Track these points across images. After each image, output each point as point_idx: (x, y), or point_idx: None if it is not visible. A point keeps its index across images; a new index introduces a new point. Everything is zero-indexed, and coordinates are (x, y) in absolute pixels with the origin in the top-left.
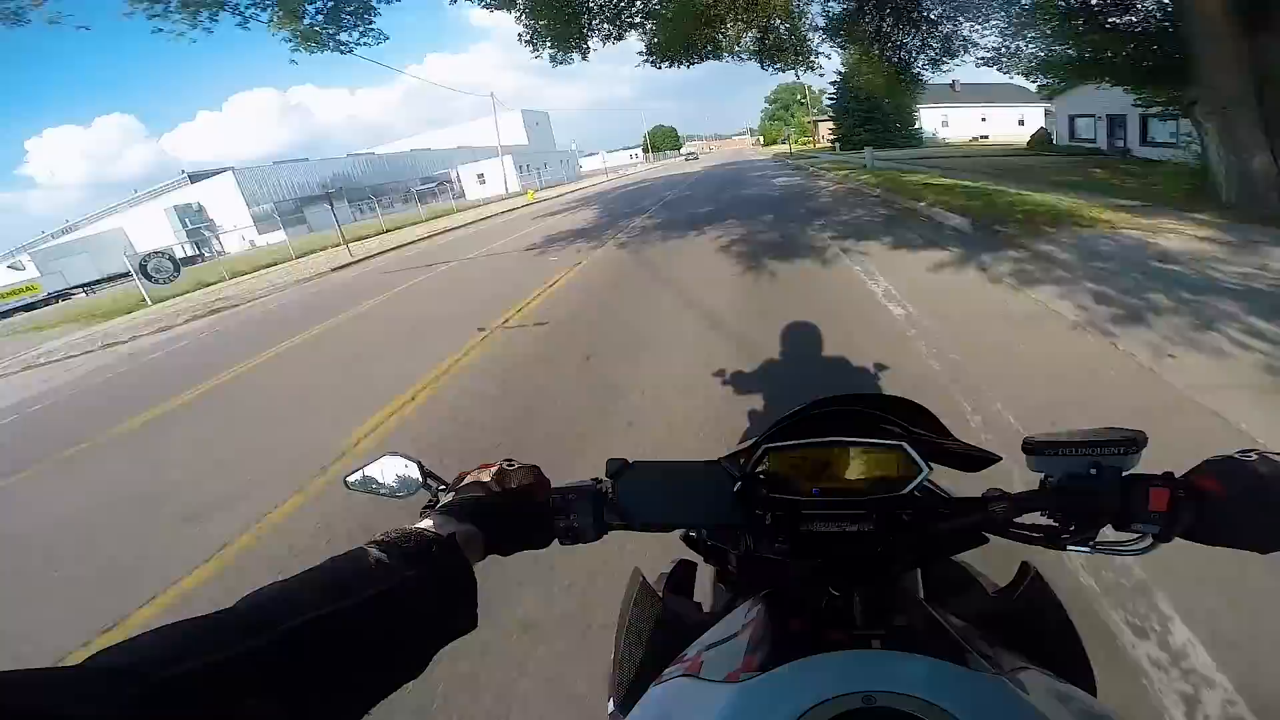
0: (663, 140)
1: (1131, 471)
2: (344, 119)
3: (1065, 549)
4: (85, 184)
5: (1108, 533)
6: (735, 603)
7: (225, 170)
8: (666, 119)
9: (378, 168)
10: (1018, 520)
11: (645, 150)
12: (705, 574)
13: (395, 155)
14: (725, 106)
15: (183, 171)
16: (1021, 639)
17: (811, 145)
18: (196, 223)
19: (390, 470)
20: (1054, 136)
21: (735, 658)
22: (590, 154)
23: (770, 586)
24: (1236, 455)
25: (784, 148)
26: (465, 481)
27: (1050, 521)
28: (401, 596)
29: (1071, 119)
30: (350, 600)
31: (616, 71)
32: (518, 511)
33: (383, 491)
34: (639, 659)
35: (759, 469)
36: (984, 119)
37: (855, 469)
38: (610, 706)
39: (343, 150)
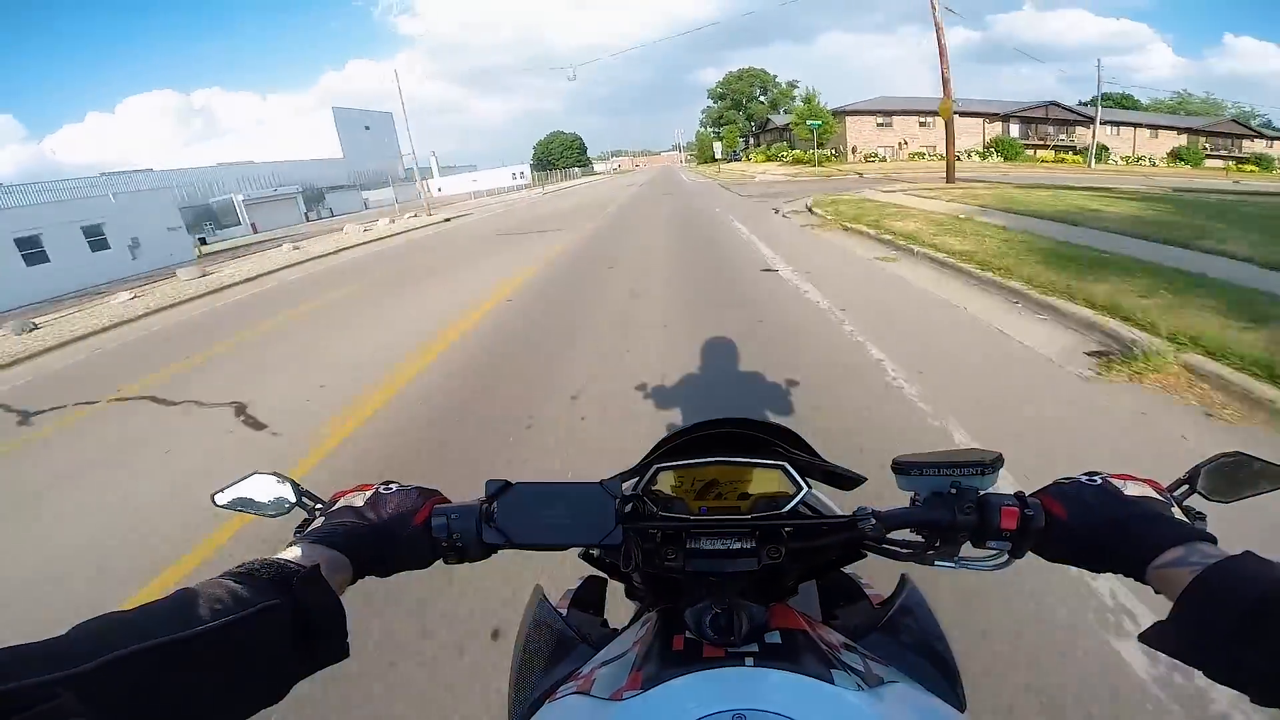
0: (561, 154)
1: (987, 491)
2: (255, 124)
3: (933, 564)
4: None
5: (970, 549)
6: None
7: None
8: (595, 135)
9: None
10: (890, 536)
11: (550, 167)
12: (618, 589)
13: None
14: (658, 123)
15: None
16: (897, 651)
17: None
18: None
19: (261, 489)
20: None
21: (623, 675)
22: (452, 171)
23: (665, 603)
24: (1083, 479)
25: (744, 169)
26: (337, 505)
27: (918, 538)
28: (253, 627)
29: None
30: (193, 629)
31: (547, 85)
32: (391, 536)
33: (255, 511)
34: (536, 677)
35: (652, 488)
36: None
37: (740, 488)
38: None
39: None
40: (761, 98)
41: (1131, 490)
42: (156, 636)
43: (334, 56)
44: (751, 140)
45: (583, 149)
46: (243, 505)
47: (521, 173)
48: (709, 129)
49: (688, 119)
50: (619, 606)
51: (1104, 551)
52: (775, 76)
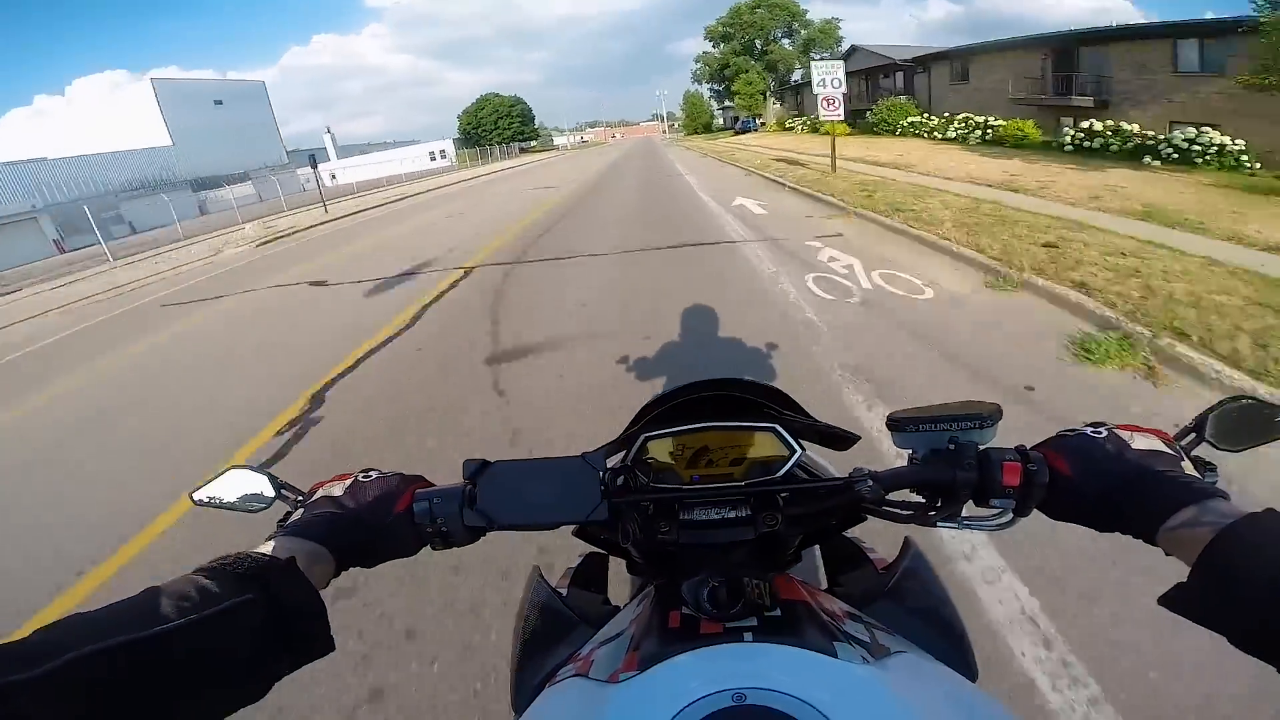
0: (492, 124)
1: (987, 445)
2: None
3: (935, 525)
4: None
5: (973, 507)
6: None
7: None
8: (573, 106)
9: None
10: (891, 497)
11: (480, 143)
12: (620, 565)
13: None
14: (637, 94)
15: None
16: (903, 618)
17: None
18: None
19: (239, 485)
20: None
21: (620, 655)
22: (383, 148)
23: (664, 576)
24: (1088, 431)
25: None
26: (316, 496)
27: (919, 498)
28: (224, 624)
29: None
30: (160, 628)
31: (521, 58)
32: (372, 525)
33: (235, 507)
34: (537, 660)
35: (643, 458)
36: None
37: (732, 454)
38: (512, 713)
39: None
40: (785, 40)
41: (1139, 443)
42: (119, 636)
43: (297, 31)
44: (772, 98)
45: (526, 116)
46: (222, 502)
47: (442, 151)
48: (705, 85)
49: (669, 87)
50: (625, 582)
51: (1113, 512)
52: (805, 11)
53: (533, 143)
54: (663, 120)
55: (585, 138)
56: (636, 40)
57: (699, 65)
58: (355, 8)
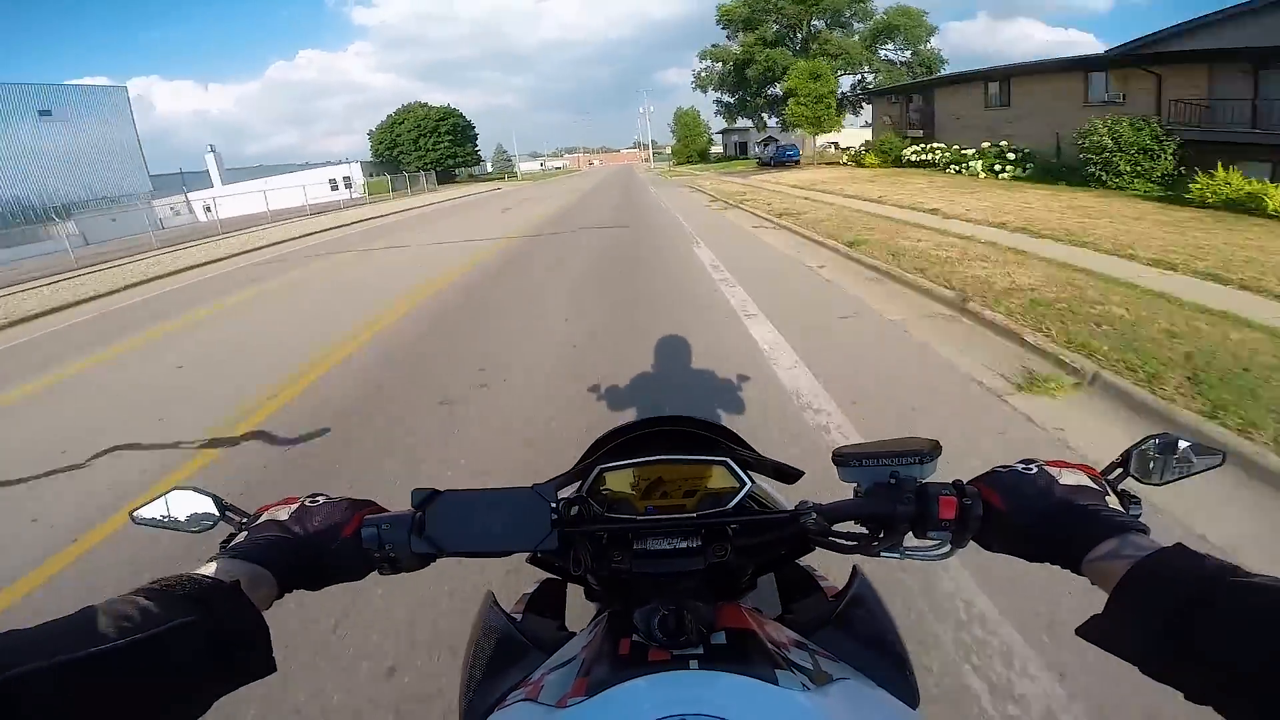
0: (412, 143)
1: (927, 480)
2: (191, 114)
3: (879, 555)
4: None
5: (914, 539)
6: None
7: None
8: (556, 131)
9: None
10: (836, 529)
11: (398, 168)
12: (579, 591)
13: None
14: (621, 120)
15: None
16: (848, 645)
17: None
18: None
19: (183, 505)
20: None
21: (569, 680)
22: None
23: (619, 604)
24: (1020, 467)
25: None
26: (261, 519)
27: (863, 529)
28: (164, 645)
29: None
30: (97, 648)
31: (504, 80)
32: (318, 549)
33: (178, 528)
34: (487, 684)
35: (599, 488)
36: None
37: (685, 486)
38: None
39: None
40: (836, 30)
41: (1067, 479)
42: (56, 656)
43: (283, 46)
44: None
45: (462, 133)
46: (165, 523)
47: (347, 178)
48: (713, 91)
49: (654, 111)
50: (585, 608)
51: (1042, 544)
52: None
53: (488, 167)
54: (643, 148)
55: (548, 164)
56: (622, 69)
57: (704, 64)
58: (343, 25)
